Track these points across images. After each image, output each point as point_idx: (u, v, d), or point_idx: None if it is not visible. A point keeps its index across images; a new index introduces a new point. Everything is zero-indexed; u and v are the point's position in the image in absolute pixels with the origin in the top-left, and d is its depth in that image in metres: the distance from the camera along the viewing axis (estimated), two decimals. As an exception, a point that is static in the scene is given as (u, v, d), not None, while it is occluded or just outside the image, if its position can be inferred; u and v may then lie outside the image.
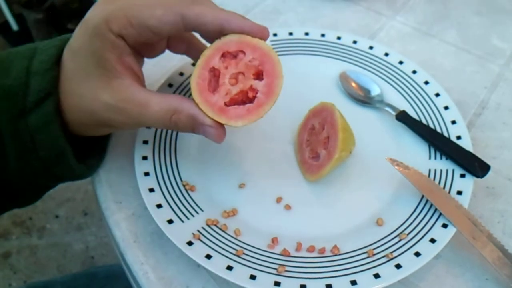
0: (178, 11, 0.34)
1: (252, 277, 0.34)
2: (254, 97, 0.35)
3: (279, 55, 0.50)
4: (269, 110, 0.35)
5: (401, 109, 0.45)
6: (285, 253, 0.36)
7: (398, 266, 0.35)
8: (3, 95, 0.35)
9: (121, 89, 0.34)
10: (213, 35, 0.35)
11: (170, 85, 0.46)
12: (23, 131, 0.35)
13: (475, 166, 0.40)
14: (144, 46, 0.38)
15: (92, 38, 0.33)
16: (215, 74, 0.35)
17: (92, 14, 0.34)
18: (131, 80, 0.35)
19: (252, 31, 0.35)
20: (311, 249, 0.37)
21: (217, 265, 0.34)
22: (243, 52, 0.35)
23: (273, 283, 0.34)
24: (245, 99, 0.35)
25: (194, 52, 0.41)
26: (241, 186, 0.41)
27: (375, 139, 0.45)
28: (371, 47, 0.51)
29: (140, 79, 0.36)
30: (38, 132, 0.35)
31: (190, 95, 0.35)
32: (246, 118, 0.34)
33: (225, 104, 0.35)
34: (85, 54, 0.34)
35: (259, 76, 0.35)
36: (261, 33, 0.35)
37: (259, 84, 0.35)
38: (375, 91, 0.48)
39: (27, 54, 0.36)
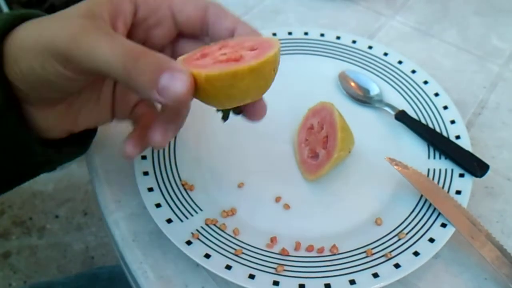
0: (204, 5, 0.34)
1: (251, 276, 0.34)
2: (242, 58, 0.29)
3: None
4: (255, 67, 0.28)
5: (400, 108, 0.46)
6: (284, 252, 0.36)
7: (397, 266, 0.35)
8: None
9: (93, 23, 0.29)
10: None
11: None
12: None
13: (474, 166, 0.40)
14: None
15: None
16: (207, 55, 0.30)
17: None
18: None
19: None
20: (310, 248, 0.37)
21: (216, 265, 0.35)
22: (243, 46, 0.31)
23: (272, 282, 0.34)
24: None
25: None
26: (240, 185, 0.41)
27: (374, 138, 0.45)
28: (370, 47, 0.51)
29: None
30: None
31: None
32: (225, 65, 0.28)
33: None
34: (76, 7, 0.30)
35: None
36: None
37: (249, 53, 0.29)
38: (374, 90, 0.48)
39: None
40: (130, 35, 0.34)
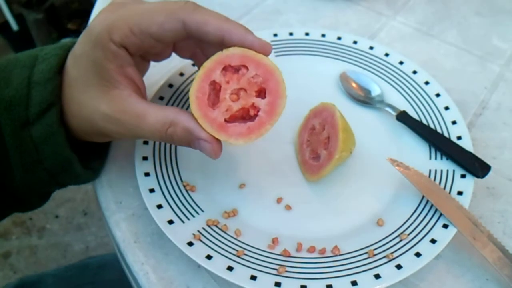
0: (180, 17, 0.33)
1: (253, 277, 0.34)
2: (256, 115, 0.34)
3: (279, 55, 0.51)
4: (271, 129, 0.34)
5: (402, 109, 0.45)
6: (285, 253, 0.36)
7: (398, 267, 0.35)
8: (5, 106, 0.34)
9: (119, 100, 0.34)
10: (214, 44, 0.35)
11: (170, 86, 0.46)
12: (27, 142, 0.35)
13: (475, 167, 0.40)
14: (149, 53, 0.38)
15: (93, 47, 0.33)
16: (215, 88, 0.34)
17: (95, 23, 0.34)
18: (130, 91, 0.35)
19: (253, 46, 0.34)
20: (311, 249, 0.37)
21: (217, 266, 0.34)
22: (246, 67, 0.34)
23: (273, 283, 0.34)
24: (246, 116, 0.34)
25: (199, 59, 0.41)
26: (242, 186, 0.41)
27: (376, 139, 0.45)
28: (371, 47, 0.51)
29: (140, 90, 0.36)
30: (42, 144, 0.35)
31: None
32: (246, 136, 0.34)
33: (225, 120, 0.34)
34: (86, 62, 0.34)
35: (261, 93, 0.34)
36: (263, 49, 0.34)
37: (261, 102, 0.34)
38: (375, 91, 0.48)
39: (28, 63, 0.35)
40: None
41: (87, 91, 0.34)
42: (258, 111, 0.34)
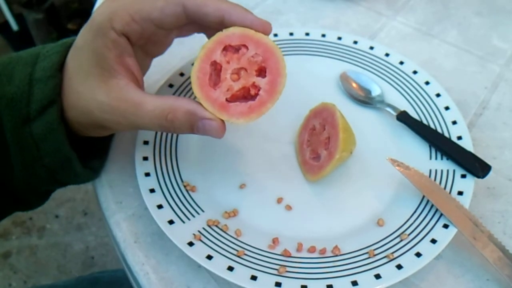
0: (180, 1, 0.34)
1: (253, 277, 0.34)
2: (256, 94, 0.34)
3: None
4: (271, 108, 0.34)
5: (402, 109, 0.45)
6: (286, 253, 0.36)
7: (399, 267, 0.35)
8: (7, 103, 0.34)
9: (117, 88, 0.34)
10: (214, 26, 0.35)
11: (170, 86, 0.46)
12: (27, 139, 0.35)
13: (476, 167, 0.40)
14: (151, 42, 0.38)
15: (94, 36, 0.34)
16: (216, 68, 0.35)
17: (97, 13, 0.34)
18: (128, 81, 0.35)
19: (253, 25, 0.34)
20: (312, 249, 0.37)
21: (218, 266, 0.34)
22: (246, 47, 0.34)
23: (274, 283, 0.34)
24: (247, 95, 0.35)
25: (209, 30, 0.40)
26: (242, 186, 0.41)
27: (376, 139, 0.45)
28: (371, 48, 0.51)
29: (138, 82, 0.36)
30: (42, 140, 0.35)
31: (191, 95, 0.35)
32: (248, 115, 0.34)
33: (227, 100, 0.34)
34: (86, 52, 0.34)
35: (261, 72, 0.35)
36: (263, 28, 0.35)
37: (261, 81, 0.34)
38: (375, 91, 0.48)
39: (30, 60, 0.36)
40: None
41: (85, 81, 0.35)
42: (259, 90, 0.34)
